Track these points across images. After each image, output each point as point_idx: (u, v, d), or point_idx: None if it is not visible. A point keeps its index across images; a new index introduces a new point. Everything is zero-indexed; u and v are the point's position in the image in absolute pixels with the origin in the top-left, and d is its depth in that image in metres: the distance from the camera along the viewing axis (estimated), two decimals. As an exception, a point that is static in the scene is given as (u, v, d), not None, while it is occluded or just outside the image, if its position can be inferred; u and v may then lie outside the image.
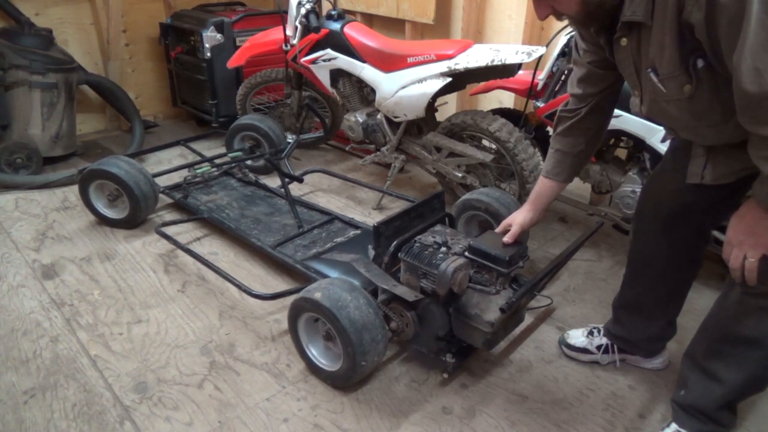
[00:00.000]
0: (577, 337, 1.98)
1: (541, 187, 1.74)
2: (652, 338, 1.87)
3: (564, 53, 2.39)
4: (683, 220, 1.61)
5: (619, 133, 2.33)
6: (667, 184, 1.62)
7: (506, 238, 1.74)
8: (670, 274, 1.72)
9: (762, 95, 1.05)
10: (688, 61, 1.20)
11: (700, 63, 1.19)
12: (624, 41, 1.31)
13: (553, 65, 2.44)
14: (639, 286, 1.79)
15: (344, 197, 3.15)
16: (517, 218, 1.75)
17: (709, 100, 1.25)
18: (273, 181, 3.12)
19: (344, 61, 2.86)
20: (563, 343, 2.00)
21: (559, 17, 1.35)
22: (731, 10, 1.04)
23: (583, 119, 1.61)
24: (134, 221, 2.74)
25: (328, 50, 2.89)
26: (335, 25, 2.87)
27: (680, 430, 1.60)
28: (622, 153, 2.52)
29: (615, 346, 1.92)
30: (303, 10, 2.88)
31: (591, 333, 1.96)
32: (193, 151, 3.40)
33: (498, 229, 1.81)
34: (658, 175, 1.69)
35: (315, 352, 1.86)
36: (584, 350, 1.95)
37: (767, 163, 1.14)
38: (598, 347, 1.93)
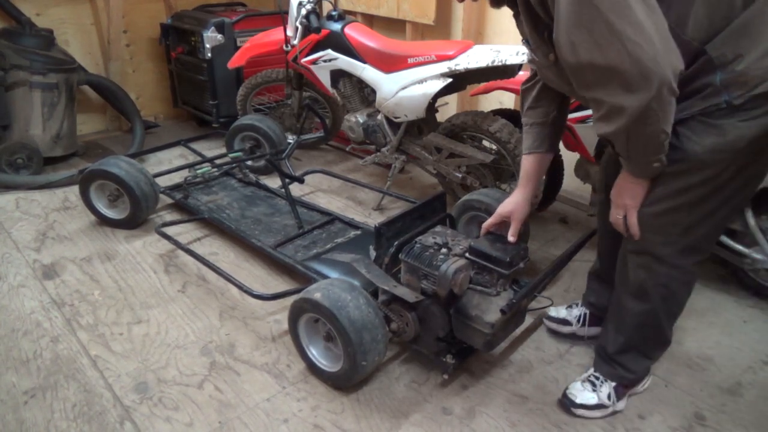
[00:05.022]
0: (558, 310, 2.08)
1: (527, 165, 1.77)
2: None
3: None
4: None
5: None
6: (611, 158, 1.72)
7: (510, 237, 1.77)
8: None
9: (579, 64, 1.24)
10: (543, 33, 1.34)
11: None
12: (517, 17, 1.47)
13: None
14: (604, 254, 1.91)
15: (344, 198, 3.15)
16: (509, 208, 1.79)
17: None
18: (273, 182, 3.12)
19: (345, 62, 2.86)
20: (545, 316, 2.09)
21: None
22: None
23: (546, 85, 1.62)
24: (135, 221, 2.74)
25: (329, 51, 2.89)
26: (336, 26, 2.87)
27: (594, 373, 1.76)
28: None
29: (588, 317, 2.01)
30: (303, 11, 2.88)
31: (570, 306, 2.07)
32: (194, 151, 3.40)
33: (491, 220, 1.83)
34: (606, 151, 1.79)
35: (315, 353, 1.86)
36: (563, 321, 2.05)
37: (598, 125, 1.31)
38: (577, 318, 2.03)
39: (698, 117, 1.30)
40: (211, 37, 3.59)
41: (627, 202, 1.47)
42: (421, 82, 2.62)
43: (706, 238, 1.49)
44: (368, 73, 2.80)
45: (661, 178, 1.39)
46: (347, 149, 3.41)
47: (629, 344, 1.68)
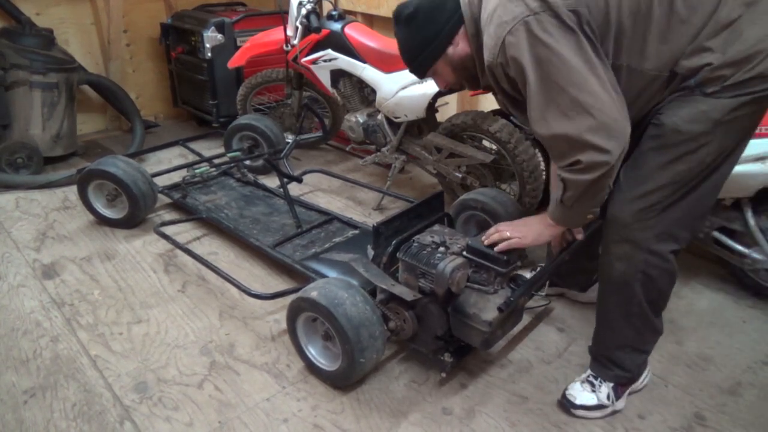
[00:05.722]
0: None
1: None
2: (580, 271, 2.10)
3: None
4: None
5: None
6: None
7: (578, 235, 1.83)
8: None
9: (553, 136, 1.41)
10: (524, 110, 1.47)
11: None
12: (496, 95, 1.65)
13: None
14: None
15: (344, 198, 3.15)
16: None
17: None
18: (272, 181, 3.12)
19: (345, 62, 2.86)
20: None
21: (455, 86, 1.74)
22: (522, 83, 1.40)
23: None
24: (133, 221, 2.74)
25: (329, 51, 2.89)
26: (336, 26, 2.87)
27: (592, 373, 1.76)
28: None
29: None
30: (304, 11, 2.88)
31: (535, 269, 2.17)
32: (192, 151, 3.40)
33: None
34: None
35: (314, 352, 1.86)
36: None
37: (573, 174, 1.42)
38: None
39: (676, 99, 1.42)
40: (211, 37, 3.59)
41: (529, 239, 1.65)
42: (421, 81, 2.62)
43: (682, 224, 1.53)
44: (368, 72, 2.80)
45: (642, 158, 1.48)
46: (347, 149, 3.41)
47: (621, 340, 1.69)
